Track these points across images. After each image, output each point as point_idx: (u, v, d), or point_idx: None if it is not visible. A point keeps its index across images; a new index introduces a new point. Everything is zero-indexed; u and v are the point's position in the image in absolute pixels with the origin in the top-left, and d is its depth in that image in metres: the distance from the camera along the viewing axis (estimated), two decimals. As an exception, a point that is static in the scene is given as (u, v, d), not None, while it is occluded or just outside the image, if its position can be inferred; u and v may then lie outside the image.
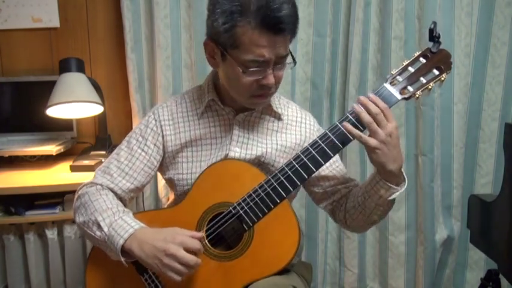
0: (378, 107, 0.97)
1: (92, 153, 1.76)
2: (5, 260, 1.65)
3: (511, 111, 1.85)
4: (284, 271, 1.02)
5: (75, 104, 1.64)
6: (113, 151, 1.18)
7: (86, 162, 1.65)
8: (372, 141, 0.96)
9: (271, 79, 1.01)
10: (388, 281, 1.96)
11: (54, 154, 1.68)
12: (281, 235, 1.01)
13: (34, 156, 1.80)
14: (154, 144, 1.15)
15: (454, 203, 1.90)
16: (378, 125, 0.96)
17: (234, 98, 1.10)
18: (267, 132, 1.16)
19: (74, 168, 1.65)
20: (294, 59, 1.04)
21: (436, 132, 1.82)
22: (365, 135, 0.98)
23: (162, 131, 1.15)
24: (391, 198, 1.02)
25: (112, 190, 1.12)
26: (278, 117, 1.17)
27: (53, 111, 1.66)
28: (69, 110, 1.69)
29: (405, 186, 1.03)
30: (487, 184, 1.92)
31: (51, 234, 1.60)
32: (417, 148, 1.86)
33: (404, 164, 1.87)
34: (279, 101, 1.19)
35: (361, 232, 1.21)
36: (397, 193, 1.02)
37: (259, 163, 1.14)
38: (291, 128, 1.18)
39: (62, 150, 1.74)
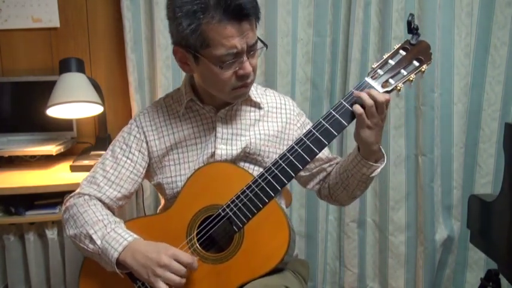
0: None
1: (92, 153, 1.76)
2: (5, 260, 1.65)
3: (511, 111, 1.85)
4: (277, 270, 1.02)
5: (75, 104, 1.64)
6: (98, 161, 1.18)
7: (86, 162, 1.65)
8: (368, 121, 0.99)
9: (247, 67, 1.01)
10: (388, 281, 1.96)
11: (54, 154, 1.68)
12: (271, 234, 1.01)
13: (34, 156, 1.80)
14: (139, 151, 1.14)
15: (454, 203, 1.91)
16: (376, 109, 0.99)
17: (213, 95, 1.10)
18: (250, 123, 1.16)
19: (74, 168, 1.65)
20: (264, 43, 1.05)
21: (436, 132, 1.82)
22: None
23: (145, 137, 1.15)
24: (373, 175, 1.07)
25: (100, 199, 1.12)
26: (258, 106, 1.17)
27: (53, 111, 1.66)
28: (69, 110, 1.69)
29: (385, 162, 1.07)
30: (487, 184, 1.92)
31: (51, 234, 1.60)
32: (417, 148, 1.86)
33: (405, 164, 1.88)
34: (257, 91, 1.19)
35: (345, 205, 1.27)
36: (378, 170, 1.07)
37: (245, 155, 1.14)
38: (272, 116, 1.18)
39: (62, 150, 1.74)
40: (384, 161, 1.07)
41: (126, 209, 1.79)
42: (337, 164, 1.21)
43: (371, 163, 1.05)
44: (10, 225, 1.61)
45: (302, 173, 1.21)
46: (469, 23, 1.78)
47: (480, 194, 1.61)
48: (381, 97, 0.98)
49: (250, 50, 1.01)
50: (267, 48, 1.06)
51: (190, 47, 1.00)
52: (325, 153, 1.20)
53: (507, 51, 1.80)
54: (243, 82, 1.04)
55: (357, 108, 0.99)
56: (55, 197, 1.58)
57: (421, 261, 1.91)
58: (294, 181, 1.88)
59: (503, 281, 1.44)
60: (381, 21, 1.79)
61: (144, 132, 1.15)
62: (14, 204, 1.56)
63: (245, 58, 1.00)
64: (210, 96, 1.12)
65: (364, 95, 0.98)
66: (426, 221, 1.87)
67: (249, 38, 0.99)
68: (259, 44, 1.04)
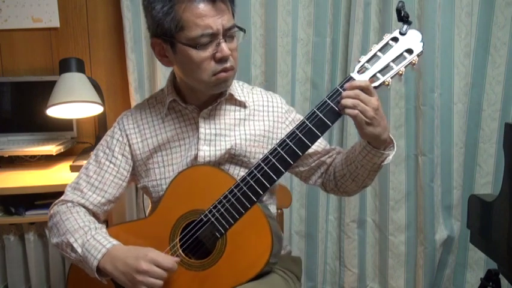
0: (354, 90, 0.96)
1: (92, 153, 1.76)
2: (5, 260, 1.65)
3: (511, 111, 1.85)
4: (264, 273, 1.00)
5: (75, 104, 1.63)
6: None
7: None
8: (365, 119, 0.94)
9: (225, 49, 0.98)
10: (388, 281, 1.96)
11: (54, 154, 1.68)
12: (254, 241, 0.98)
13: (34, 156, 1.80)
14: (122, 155, 1.12)
15: (454, 203, 1.91)
16: (363, 103, 0.94)
17: (196, 92, 1.08)
18: (235, 123, 1.12)
19: (74, 168, 1.65)
20: (241, 28, 1.03)
21: (436, 132, 1.82)
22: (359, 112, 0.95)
23: (128, 140, 1.12)
24: (385, 163, 1.04)
25: (83, 206, 1.10)
26: (243, 105, 1.13)
27: (53, 111, 1.66)
28: (69, 110, 1.69)
29: (395, 148, 1.04)
30: (487, 184, 1.92)
31: (51, 234, 1.60)
32: (417, 148, 1.86)
33: (405, 164, 1.88)
34: (242, 90, 1.15)
35: (353, 195, 1.23)
36: (390, 157, 1.03)
37: (230, 156, 1.10)
38: (259, 114, 1.13)
39: (62, 150, 1.73)
40: (393, 147, 1.04)
41: (126, 209, 1.79)
42: (337, 154, 1.17)
43: (382, 152, 1.01)
44: (10, 225, 1.61)
45: (301, 168, 1.17)
46: (469, 23, 1.78)
47: (480, 194, 1.61)
48: (353, 94, 0.94)
49: (227, 33, 1.00)
50: (244, 32, 1.04)
51: (166, 33, 0.99)
52: (321, 145, 1.16)
53: (507, 51, 1.81)
54: (223, 66, 1.01)
55: (350, 111, 0.94)
56: (55, 197, 1.56)
57: (421, 261, 1.91)
58: (294, 181, 1.91)
59: (503, 281, 1.45)
60: (381, 21, 1.79)
61: (127, 135, 1.13)
62: (14, 204, 1.56)
63: (222, 40, 0.99)
64: (193, 93, 1.09)
65: (348, 101, 0.94)
66: (426, 221, 1.87)
67: (225, 20, 0.98)
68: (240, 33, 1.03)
